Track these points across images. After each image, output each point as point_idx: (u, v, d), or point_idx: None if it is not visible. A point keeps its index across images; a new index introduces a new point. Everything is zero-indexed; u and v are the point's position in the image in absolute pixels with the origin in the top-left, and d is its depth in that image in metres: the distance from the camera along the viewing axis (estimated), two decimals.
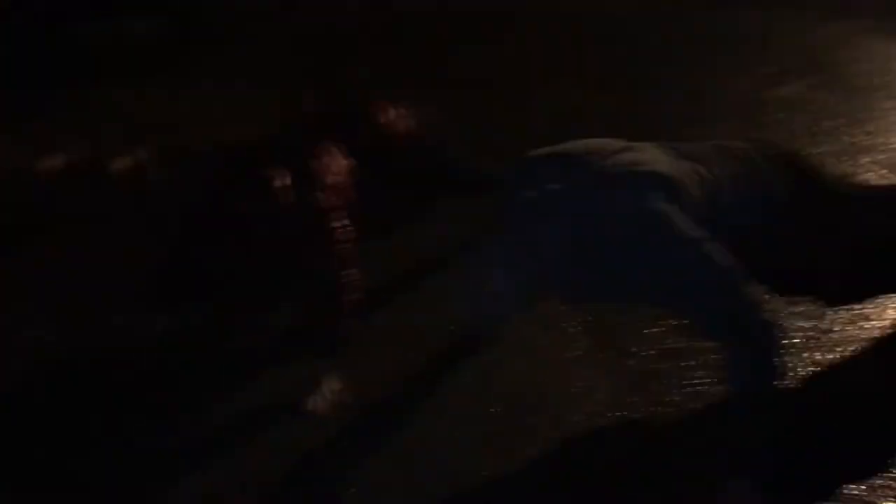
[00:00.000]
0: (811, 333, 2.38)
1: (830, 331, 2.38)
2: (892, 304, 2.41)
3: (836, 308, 2.41)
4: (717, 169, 2.03)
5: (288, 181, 2.36)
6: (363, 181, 2.53)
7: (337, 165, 2.49)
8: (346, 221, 2.39)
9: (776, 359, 1.90)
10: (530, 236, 1.97)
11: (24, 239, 3.09)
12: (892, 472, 2.00)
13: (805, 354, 2.32)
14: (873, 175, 3.12)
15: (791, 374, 2.23)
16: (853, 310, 2.40)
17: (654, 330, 2.43)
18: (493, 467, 2.11)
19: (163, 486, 2.13)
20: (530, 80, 4.05)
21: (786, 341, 2.20)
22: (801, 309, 2.40)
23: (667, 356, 2.36)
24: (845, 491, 1.96)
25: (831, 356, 2.31)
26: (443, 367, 2.43)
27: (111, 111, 3.95)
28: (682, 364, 2.33)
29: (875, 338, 2.35)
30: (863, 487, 1.96)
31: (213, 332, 2.63)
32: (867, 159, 3.20)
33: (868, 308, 2.40)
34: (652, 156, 2.03)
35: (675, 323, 2.37)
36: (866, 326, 2.39)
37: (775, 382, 1.91)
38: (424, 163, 2.77)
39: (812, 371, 2.28)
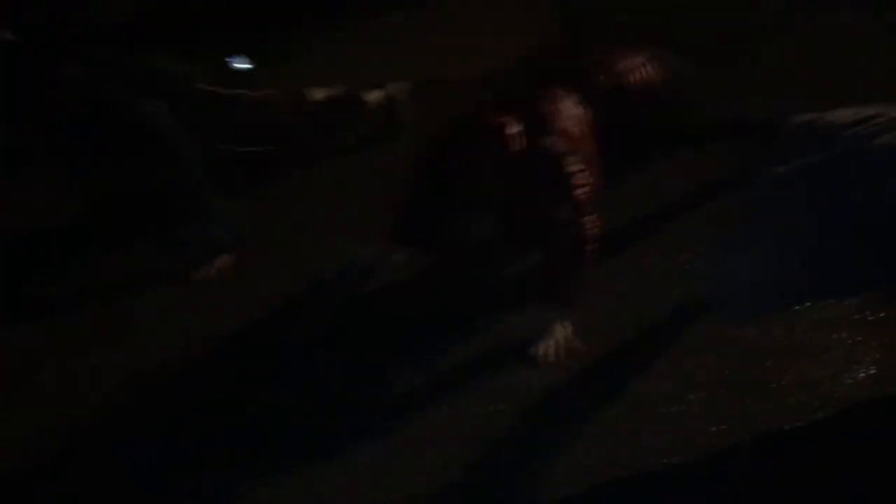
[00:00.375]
0: None
1: None
2: None
3: None
4: None
5: (518, 127, 2.30)
6: (599, 130, 2.45)
7: (570, 112, 2.42)
8: (582, 168, 2.31)
9: None
10: (790, 219, 1.86)
11: (280, 171, 3.12)
12: None
13: None
14: None
15: None
16: None
17: None
18: (719, 425, 2.04)
19: (396, 415, 2.18)
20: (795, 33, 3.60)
21: None
22: None
23: None
24: None
25: None
26: (676, 328, 2.33)
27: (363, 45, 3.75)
28: None
29: None
30: None
31: (446, 275, 2.62)
32: None
33: None
34: None
35: None
36: None
37: None
38: (662, 113, 2.68)
39: None
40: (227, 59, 3.02)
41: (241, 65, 3.05)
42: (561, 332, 2.32)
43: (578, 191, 2.30)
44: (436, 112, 2.75)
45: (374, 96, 3.31)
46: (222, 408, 2.29)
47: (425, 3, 4.11)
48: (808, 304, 2.23)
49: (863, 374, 2.13)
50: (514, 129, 2.30)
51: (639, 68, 2.62)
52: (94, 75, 2.80)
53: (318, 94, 3.19)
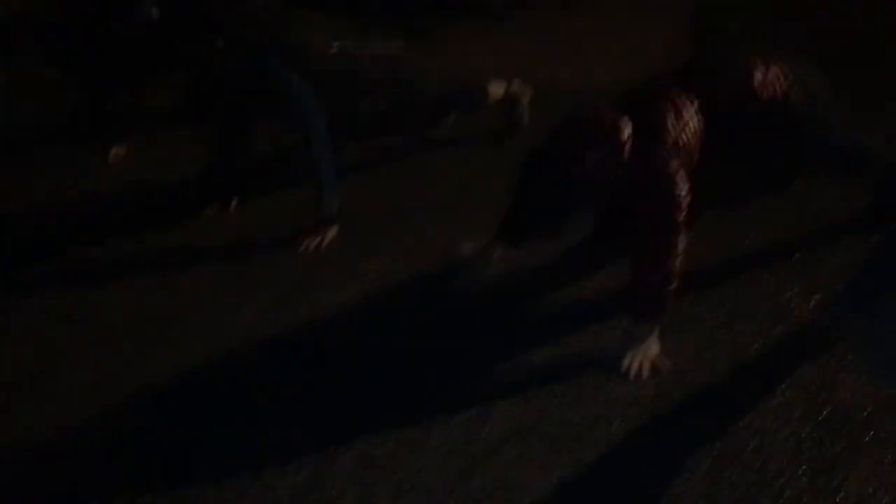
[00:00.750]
0: None
1: None
2: None
3: None
4: None
5: (631, 133, 2.27)
6: (713, 145, 2.39)
7: (688, 122, 2.37)
8: (688, 187, 2.28)
9: None
10: None
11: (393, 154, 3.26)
12: None
13: None
14: None
15: None
16: None
17: None
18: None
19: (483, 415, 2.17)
20: None
21: None
22: None
23: None
24: None
25: None
26: (776, 357, 2.30)
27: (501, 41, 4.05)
28: None
29: None
30: None
31: (540, 275, 2.64)
32: None
33: None
34: None
35: None
36: None
37: None
38: (785, 131, 2.54)
39: None
40: (363, 38, 3.09)
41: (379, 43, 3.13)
42: (653, 350, 2.29)
43: (680, 211, 2.26)
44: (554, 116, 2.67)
45: (496, 90, 3.34)
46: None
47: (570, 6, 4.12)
48: None
49: None
50: (627, 134, 2.27)
51: (771, 83, 2.49)
52: (237, 50, 2.92)
53: (447, 79, 3.25)
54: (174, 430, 2.20)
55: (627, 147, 2.27)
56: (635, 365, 2.26)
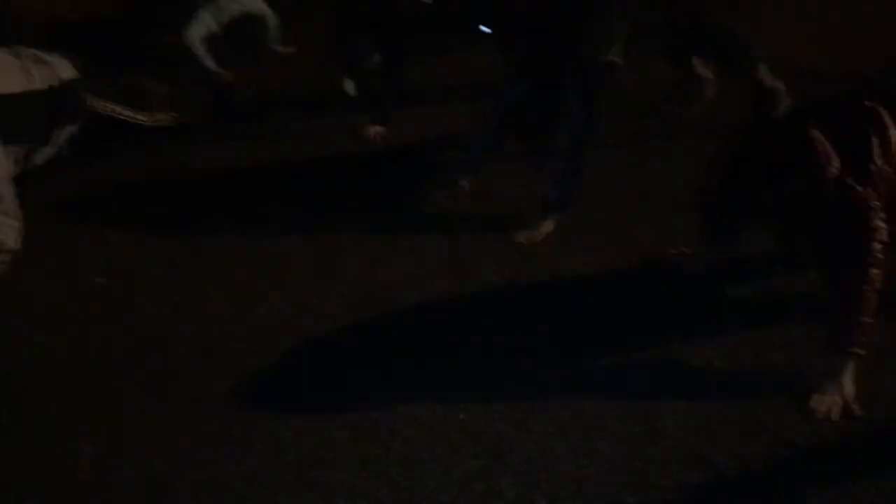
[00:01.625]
0: None
1: None
2: None
3: None
4: None
5: (836, 162, 2.22)
6: None
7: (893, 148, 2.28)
8: (886, 216, 2.23)
9: None
10: None
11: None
12: None
13: None
14: None
15: None
16: None
17: None
18: None
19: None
20: None
21: None
22: None
23: None
24: None
25: None
26: None
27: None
28: None
29: None
30: None
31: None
32: None
33: None
34: None
35: None
36: None
37: None
38: None
39: None
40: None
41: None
42: (847, 389, 2.20)
43: (878, 244, 2.21)
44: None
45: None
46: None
47: None
48: None
49: None
50: (835, 167, 2.22)
51: None
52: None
53: None
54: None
55: (832, 180, 2.23)
56: (824, 405, 2.19)
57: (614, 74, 3.09)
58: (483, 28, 3.64)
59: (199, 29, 4.36)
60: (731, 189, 2.43)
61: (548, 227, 3.00)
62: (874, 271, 2.19)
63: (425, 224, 3.15)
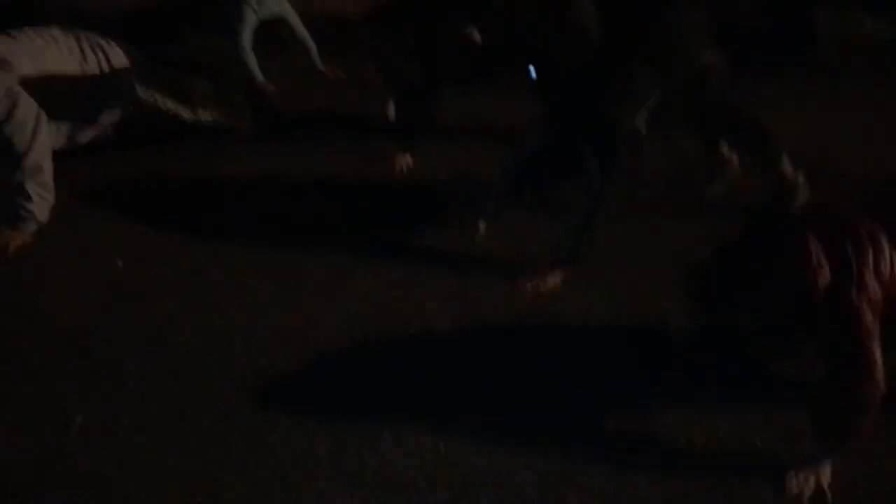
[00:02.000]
0: None
1: None
2: None
3: None
4: None
5: (827, 278, 2.15)
6: None
7: (887, 268, 2.20)
8: (879, 346, 2.15)
9: None
10: None
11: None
12: None
13: None
14: None
15: None
16: None
17: None
18: None
19: None
20: None
21: None
22: None
23: None
24: None
25: None
26: None
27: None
28: None
29: None
30: None
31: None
32: None
33: None
34: None
35: None
36: None
37: None
38: None
39: None
40: None
41: None
42: (824, 475, 2.20)
43: (872, 368, 2.14)
44: None
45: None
46: None
47: None
48: None
49: None
50: (825, 279, 2.16)
51: None
52: None
53: None
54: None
55: (822, 291, 2.17)
56: (797, 483, 2.19)
57: (637, 142, 3.16)
58: (531, 70, 3.73)
59: (247, 33, 4.51)
60: (720, 282, 2.37)
61: (555, 279, 3.08)
62: (868, 378, 2.14)
63: (439, 257, 3.23)
